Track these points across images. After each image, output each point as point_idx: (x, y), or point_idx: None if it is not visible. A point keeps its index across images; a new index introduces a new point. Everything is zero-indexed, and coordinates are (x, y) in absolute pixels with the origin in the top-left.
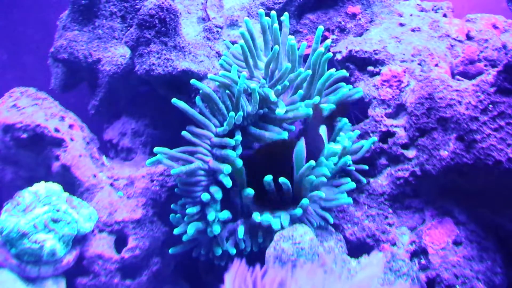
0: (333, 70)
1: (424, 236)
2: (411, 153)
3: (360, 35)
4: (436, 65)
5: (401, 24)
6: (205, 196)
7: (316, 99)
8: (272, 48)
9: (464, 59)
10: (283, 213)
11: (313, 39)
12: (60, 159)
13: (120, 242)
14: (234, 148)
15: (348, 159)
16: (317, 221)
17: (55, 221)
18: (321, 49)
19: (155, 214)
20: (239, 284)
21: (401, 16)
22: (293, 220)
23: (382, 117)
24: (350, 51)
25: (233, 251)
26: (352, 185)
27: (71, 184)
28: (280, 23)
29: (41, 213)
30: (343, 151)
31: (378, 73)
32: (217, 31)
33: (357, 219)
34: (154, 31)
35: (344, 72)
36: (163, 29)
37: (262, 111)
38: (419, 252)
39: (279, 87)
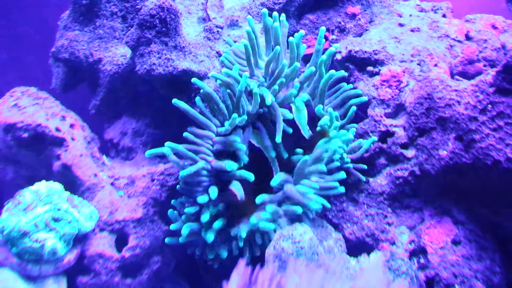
0: (333, 71)
1: (423, 235)
2: (410, 152)
3: (360, 35)
4: (436, 65)
5: (401, 25)
6: (202, 199)
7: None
8: (273, 48)
9: (463, 59)
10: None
11: (313, 39)
12: (61, 159)
13: (120, 241)
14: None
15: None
16: (313, 212)
17: (56, 220)
18: (332, 49)
19: (155, 213)
20: (240, 284)
21: (400, 17)
22: (290, 215)
23: (381, 117)
24: (350, 51)
25: (224, 254)
26: (342, 175)
27: (72, 183)
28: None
29: (42, 212)
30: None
31: (377, 73)
32: (218, 31)
33: (356, 218)
34: (155, 31)
35: (343, 73)
36: (163, 29)
37: (262, 110)
38: (418, 251)
39: (276, 86)
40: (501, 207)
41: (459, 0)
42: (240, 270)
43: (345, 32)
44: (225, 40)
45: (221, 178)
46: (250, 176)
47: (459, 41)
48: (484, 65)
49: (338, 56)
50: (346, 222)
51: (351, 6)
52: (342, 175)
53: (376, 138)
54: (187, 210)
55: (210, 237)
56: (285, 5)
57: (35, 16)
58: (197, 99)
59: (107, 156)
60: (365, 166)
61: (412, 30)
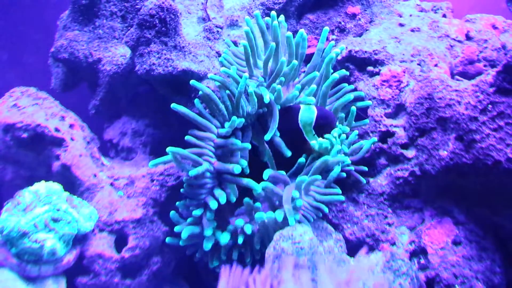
0: (337, 75)
1: (423, 235)
2: (410, 153)
3: (360, 35)
4: (436, 65)
5: (401, 24)
6: (213, 205)
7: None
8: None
9: (463, 59)
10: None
11: (313, 39)
12: (60, 159)
13: (120, 242)
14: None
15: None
16: (313, 215)
17: (55, 220)
18: (337, 50)
19: (155, 213)
20: (234, 285)
21: (400, 17)
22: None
23: (381, 117)
24: (350, 51)
25: (223, 257)
26: (337, 169)
27: (71, 183)
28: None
29: (42, 212)
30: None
31: (377, 73)
32: (217, 31)
33: (356, 218)
34: (155, 31)
35: (344, 72)
36: (163, 29)
37: (262, 110)
38: (418, 252)
39: (275, 85)
40: (502, 207)
41: (459, 0)
42: (227, 272)
43: (345, 32)
44: (224, 40)
45: (223, 179)
46: (257, 187)
47: (459, 41)
48: (485, 65)
49: (338, 56)
50: (346, 222)
51: (351, 6)
52: (336, 170)
53: (376, 139)
54: (194, 212)
55: (207, 246)
56: (285, 5)
57: (35, 16)
58: (196, 100)
59: (107, 156)
60: (365, 168)
61: (412, 30)
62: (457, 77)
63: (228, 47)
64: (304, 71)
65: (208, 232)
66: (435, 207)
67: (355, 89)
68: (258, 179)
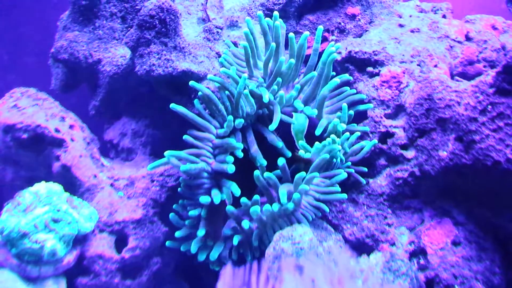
0: (338, 80)
1: (423, 236)
2: (410, 153)
3: (360, 36)
4: (435, 66)
5: (401, 25)
6: (204, 199)
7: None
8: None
9: (463, 60)
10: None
11: (313, 40)
12: (60, 159)
13: (120, 242)
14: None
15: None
16: (312, 214)
17: (55, 221)
18: (332, 49)
19: (155, 214)
20: (235, 285)
21: (400, 17)
22: (287, 215)
23: (381, 117)
24: (350, 52)
25: (217, 268)
26: (343, 175)
27: (71, 184)
28: None
29: (42, 213)
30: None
31: (377, 74)
32: (217, 32)
33: (356, 219)
34: (154, 32)
35: (347, 76)
36: (163, 29)
37: (261, 111)
38: (418, 252)
39: (275, 86)
40: (501, 207)
41: (459, 0)
42: (228, 272)
43: (345, 33)
44: (224, 41)
45: (221, 183)
46: (236, 191)
47: (459, 41)
48: (484, 66)
49: (338, 57)
50: (346, 223)
51: (351, 6)
52: (342, 175)
53: (377, 141)
54: (190, 213)
55: (201, 257)
56: (285, 6)
57: (35, 17)
58: (196, 101)
59: (107, 157)
60: (365, 169)
61: (412, 31)
62: (456, 77)
63: (228, 48)
64: (303, 72)
65: (200, 232)
66: (434, 207)
67: (356, 93)
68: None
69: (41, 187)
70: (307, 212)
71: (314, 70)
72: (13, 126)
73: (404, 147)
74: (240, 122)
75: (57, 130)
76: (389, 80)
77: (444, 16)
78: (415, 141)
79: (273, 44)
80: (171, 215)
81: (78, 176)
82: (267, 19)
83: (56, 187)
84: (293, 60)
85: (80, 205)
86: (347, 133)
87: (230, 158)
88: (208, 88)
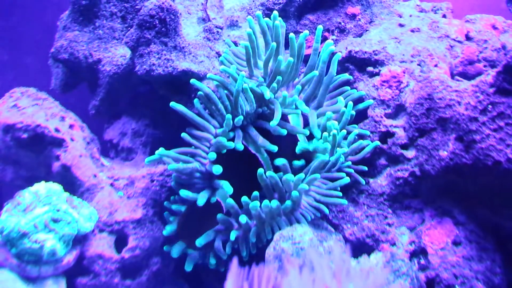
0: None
1: (423, 236)
2: (410, 153)
3: (360, 35)
4: (436, 65)
5: (401, 25)
6: (183, 193)
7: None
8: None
9: (463, 60)
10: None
11: (313, 40)
12: (60, 159)
13: (120, 242)
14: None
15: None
16: (311, 214)
17: (55, 221)
18: (332, 47)
19: (155, 214)
20: (237, 284)
21: (400, 17)
22: (286, 214)
23: (381, 117)
24: (350, 51)
25: (212, 261)
26: (346, 180)
27: (71, 184)
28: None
29: (42, 213)
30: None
31: (377, 74)
32: (217, 32)
33: (356, 219)
34: (154, 32)
35: (347, 76)
36: (163, 29)
37: (261, 109)
38: (418, 252)
39: (275, 84)
40: (502, 207)
41: (459, 0)
42: (235, 272)
43: (345, 33)
44: (224, 41)
45: (214, 185)
46: (229, 190)
47: (459, 41)
48: (484, 66)
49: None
50: (346, 223)
51: (351, 6)
52: (345, 180)
53: (378, 143)
54: (173, 207)
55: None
56: (285, 6)
57: (35, 17)
58: (195, 100)
59: (107, 157)
60: (365, 168)
61: (412, 31)
62: (457, 77)
63: (228, 47)
64: (303, 71)
65: (169, 227)
66: (435, 207)
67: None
68: (254, 184)
69: (41, 187)
70: (306, 212)
71: (315, 70)
72: (13, 125)
73: (405, 146)
74: (239, 119)
75: (57, 130)
76: (389, 80)
77: (444, 16)
78: (415, 141)
79: (274, 44)
80: (166, 213)
81: (78, 176)
82: (266, 19)
83: (56, 187)
84: (291, 59)
85: (80, 205)
86: (344, 131)
87: (213, 155)
88: (208, 87)
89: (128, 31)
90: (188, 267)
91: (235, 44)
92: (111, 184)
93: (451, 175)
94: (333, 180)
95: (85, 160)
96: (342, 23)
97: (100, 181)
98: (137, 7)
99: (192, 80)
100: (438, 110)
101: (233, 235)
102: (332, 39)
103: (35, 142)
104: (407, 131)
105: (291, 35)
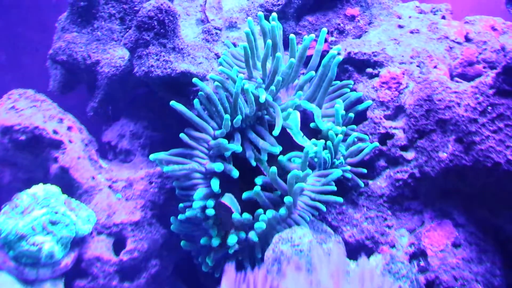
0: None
1: (423, 238)
2: (410, 155)
3: (359, 37)
4: (435, 67)
5: (400, 26)
6: (197, 195)
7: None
8: (271, 51)
9: (463, 61)
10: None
11: (313, 41)
12: (58, 161)
13: (118, 244)
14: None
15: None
16: (309, 215)
17: (53, 223)
18: (334, 52)
19: (153, 216)
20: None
21: (400, 18)
22: (283, 220)
23: (381, 119)
24: (349, 53)
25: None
26: (338, 173)
27: (69, 186)
28: None
29: (39, 215)
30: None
31: (377, 75)
32: (216, 33)
33: (356, 221)
34: (153, 33)
35: (349, 82)
36: (162, 31)
37: (261, 113)
38: (418, 254)
39: (273, 87)
40: (502, 209)
41: (458, 1)
42: (230, 275)
43: (344, 34)
44: (223, 42)
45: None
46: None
47: (458, 42)
48: (484, 67)
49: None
50: (346, 224)
51: (350, 7)
52: (337, 173)
53: (378, 144)
54: (188, 214)
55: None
56: (284, 7)
57: (34, 18)
58: (195, 101)
59: (105, 159)
60: (364, 170)
61: (411, 32)
62: (456, 78)
63: (227, 49)
64: (303, 73)
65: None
66: (435, 209)
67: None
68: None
69: (39, 189)
70: (304, 213)
71: (315, 72)
72: (11, 127)
73: (404, 148)
74: (238, 119)
75: (55, 132)
76: (389, 81)
77: (443, 17)
78: (415, 142)
79: (269, 42)
80: (172, 218)
81: (76, 178)
82: (265, 21)
83: (54, 189)
84: (293, 60)
85: (78, 207)
86: (341, 136)
87: (220, 166)
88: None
89: (126, 33)
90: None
91: (234, 45)
92: (110, 186)
93: (451, 176)
94: (326, 176)
95: (83, 162)
96: (341, 25)
97: (99, 183)
98: (135, 8)
99: (195, 79)
100: (438, 111)
101: (231, 249)
102: (332, 41)
103: (33, 144)
104: (406, 133)
105: (292, 36)
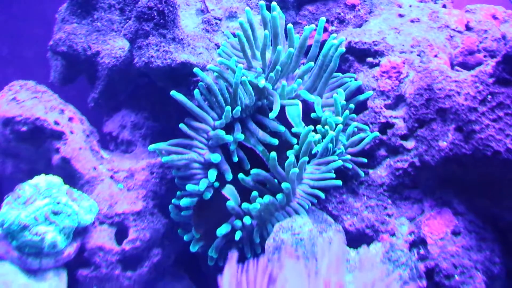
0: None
1: (423, 226)
2: (410, 144)
3: (360, 26)
4: (436, 56)
5: (401, 15)
6: (190, 187)
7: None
8: (272, 41)
9: (463, 50)
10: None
11: (313, 30)
12: (60, 152)
13: (120, 234)
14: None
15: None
16: (308, 202)
17: (55, 213)
18: (334, 41)
19: (155, 206)
20: (234, 281)
21: (400, 7)
22: (281, 206)
23: (381, 108)
24: (350, 42)
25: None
26: (338, 163)
27: (71, 176)
28: None
29: (42, 205)
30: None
31: (377, 64)
32: (216, 23)
33: (356, 210)
34: (153, 24)
35: (352, 75)
36: (161, 21)
37: (261, 102)
38: (418, 243)
39: (272, 74)
40: (501, 197)
41: None
42: (232, 264)
43: (344, 23)
44: (223, 32)
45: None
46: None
47: (459, 31)
48: (485, 56)
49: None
50: (346, 213)
51: None
52: (337, 163)
53: (378, 134)
54: (182, 202)
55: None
56: None
57: (34, 10)
58: (196, 91)
59: (106, 149)
60: (365, 160)
61: (412, 21)
62: (457, 67)
63: (227, 39)
64: (303, 63)
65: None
66: (434, 198)
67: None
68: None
69: (41, 180)
70: (303, 201)
71: (315, 62)
72: (12, 119)
73: (404, 137)
74: (237, 110)
75: (56, 123)
76: (389, 71)
77: (444, 6)
78: (415, 132)
79: (267, 32)
80: (171, 206)
81: (77, 169)
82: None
83: (56, 179)
84: (292, 49)
85: (80, 197)
86: (340, 126)
87: (218, 156)
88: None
89: (126, 23)
90: (193, 249)
91: (234, 35)
92: (111, 177)
93: (451, 165)
94: (325, 164)
95: (85, 152)
96: (342, 14)
97: (100, 173)
98: None
99: (196, 69)
100: (438, 100)
101: (237, 235)
102: (332, 30)
103: (34, 135)
104: (406, 122)
105: (289, 25)
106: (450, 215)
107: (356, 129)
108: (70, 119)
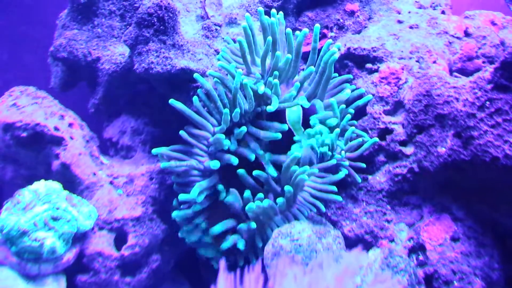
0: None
1: (422, 232)
2: (409, 150)
3: (359, 32)
4: (434, 62)
5: (399, 21)
6: (193, 193)
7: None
8: (271, 47)
9: (462, 56)
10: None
11: (312, 37)
12: (60, 158)
13: (120, 240)
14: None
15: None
16: (307, 210)
17: (55, 219)
18: (334, 49)
19: (154, 211)
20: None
21: (399, 13)
22: (282, 212)
23: (380, 114)
24: (349, 48)
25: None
26: (341, 175)
27: (71, 182)
28: None
29: (41, 211)
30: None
31: (376, 70)
32: (216, 29)
33: (355, 215)
34: (153, 30)
35: (348, 76)
36: (161, 27)
37: (260, 108)
38: (417, 248)
39: (271, 78)
40: (500, 203)
41: None
42: (225, 272)
43: (344, 29)
44: (223, 39)
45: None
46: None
47: (458, 37)
48: (483, 62)
49: (337, 54)
50: (345, 219)
51: (350, 3)
52: (340, 175)
53: (377, 140)
54: (184, 213)
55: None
56: (283, 3)
57: (35, 15)
58: (195, 98)
59: (106, 155)
60: (363, 165)
61: (411, 27)
62: (455, 74)
63: (227, 45)
64: (303, 69)
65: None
66: (433, 203)
67: (356, 89)
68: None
69: (41, 186)
70: (303, 207)
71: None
72: (12, 124)
73: (403, 143)
74: (236, 112)
75: (56, 129)
76: (388, 77)
77: (443, 12)
78: (414, 138)
79: (269, 38)
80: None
81: (77, 174)
82: (266, 16)
83: (56, 185)
84: (290, 55)
85: (80, 203)
86: (337, 130)
87: (217, 163)
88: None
89: (126, 30)
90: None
91: (234, 41)
92: (111, 182)
93: (450, 171)
94: (327, 171)
95: (85, 158)
96: (341, 20)
97: (100, 179)
98: (135, 5)
99: (195, 75)
100: (436, 106)
101: (241, 244)
102: (331, 36)
103: (34, 141)
104: (405, 128)
105: (288, 30)
106: (449, 221)
107: (354, 134)
108: (70, 124)
